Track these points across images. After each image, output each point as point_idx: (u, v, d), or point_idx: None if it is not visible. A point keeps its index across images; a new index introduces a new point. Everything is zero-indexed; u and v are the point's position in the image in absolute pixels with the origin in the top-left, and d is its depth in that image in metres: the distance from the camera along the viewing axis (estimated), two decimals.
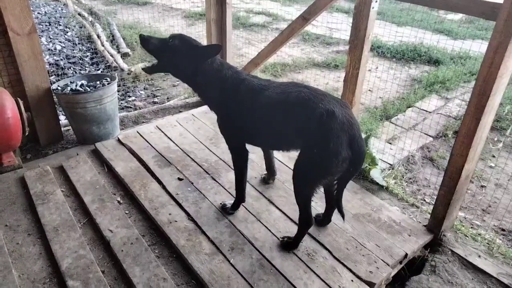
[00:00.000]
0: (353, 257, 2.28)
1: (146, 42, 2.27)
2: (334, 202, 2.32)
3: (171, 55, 2.25)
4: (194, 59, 2.23)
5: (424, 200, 3.07)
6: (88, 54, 5.78)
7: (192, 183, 2.84)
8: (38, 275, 2.17)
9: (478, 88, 2.08)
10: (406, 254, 2.35)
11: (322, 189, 2.33)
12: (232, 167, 2.90)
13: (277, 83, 2.25)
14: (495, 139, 3.95)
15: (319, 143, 1.99)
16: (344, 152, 1.96)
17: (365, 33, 2.68)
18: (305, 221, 2.24)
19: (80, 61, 5.48)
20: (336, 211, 2.36)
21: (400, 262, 2.37)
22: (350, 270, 2.20)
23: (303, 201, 2.18)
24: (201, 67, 2.24)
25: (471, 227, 2.75)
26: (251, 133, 2.32)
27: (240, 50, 6.34)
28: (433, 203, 2.55)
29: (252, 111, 2.21)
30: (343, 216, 2.29)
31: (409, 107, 4.56)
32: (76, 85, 3.30)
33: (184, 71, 2.30)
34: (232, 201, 2.58)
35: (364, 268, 2.21)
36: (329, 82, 5.24)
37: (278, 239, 2.38)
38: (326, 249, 2.34)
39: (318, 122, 1.97)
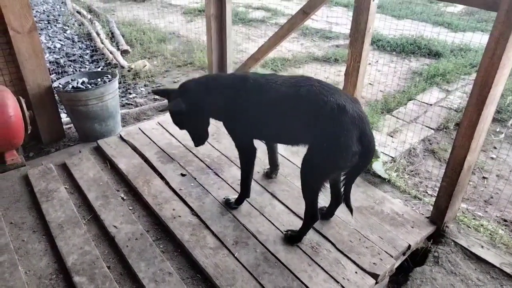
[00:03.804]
0: (356, 249, 2.30)
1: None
2: (341, 198, 2.31)
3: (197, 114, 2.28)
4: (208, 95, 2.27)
5: (426, 192, 3.08)
6: (88, 52, 5.77)
7: (195, 178, 2.85)
8: (44, 271, 2.18)
9: (479, 79, 2.08)
10: (409, 246, 2.36)
11: (328, 184, 2.33)
12: (235, 162, 2.90)
13: (286, 76, 2.21)
14: (497, 130, 3.96)
15: (329, 137, 1.97)
16: (354, 146, 1.94)
17: (365, 26, 2.67)
18: (311, 216, 2.24)
19: (80, 59, 5.47)
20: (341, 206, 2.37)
21: (404, 254, 2.39)
22: (354, 262, 2.22)
23: (311, 196, 2.18)
24: (207, 97, 2.26)
25: (474, 218, 2.77)
26: (261, 127, 2.28)
27: (240, 46, 6.32)
28: (435, 195, 2.55)
29: (262, 105, 2.16)
30: (351, 211, 2.29)
31: (410, 100, 4.56)
32: (77, 83, 3.31)
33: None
34: (236, 196, 2.58)
35: (368, 260, 2.23)
36: (330, 76, 5.23)
37: (282, 232, 2.39)
38: (330, 241, 2.35)
39: (329, 116, 1.96)
